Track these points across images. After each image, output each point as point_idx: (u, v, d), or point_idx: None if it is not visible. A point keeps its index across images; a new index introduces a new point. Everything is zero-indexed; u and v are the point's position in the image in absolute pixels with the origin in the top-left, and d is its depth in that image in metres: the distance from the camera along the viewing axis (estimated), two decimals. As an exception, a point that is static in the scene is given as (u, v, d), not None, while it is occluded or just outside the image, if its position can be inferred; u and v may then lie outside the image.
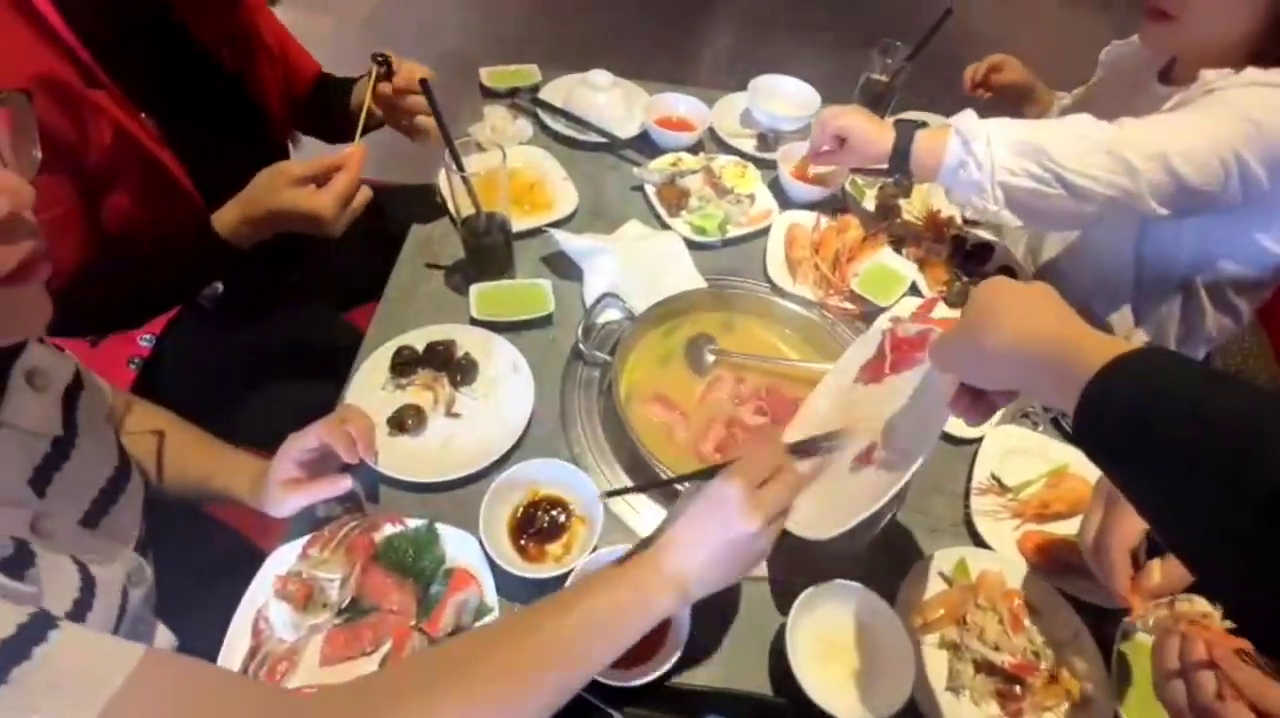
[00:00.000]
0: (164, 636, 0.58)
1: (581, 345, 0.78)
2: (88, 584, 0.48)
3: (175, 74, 0.75)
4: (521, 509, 0.65)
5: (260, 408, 0.87)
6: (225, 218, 0.72)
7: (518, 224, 0.86)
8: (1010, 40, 1.15)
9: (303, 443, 0.60)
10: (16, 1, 0.60)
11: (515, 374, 0.75)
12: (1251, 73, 0.73)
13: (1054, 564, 0.65)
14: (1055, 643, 0.61)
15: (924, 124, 0.81)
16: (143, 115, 0.70)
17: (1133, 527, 0.53)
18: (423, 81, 0.79)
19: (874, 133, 0.82)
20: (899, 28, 1.05)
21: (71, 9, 0.62)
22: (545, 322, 0.82)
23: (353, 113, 0.88)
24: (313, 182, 0.71)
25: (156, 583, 0.59)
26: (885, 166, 0.82)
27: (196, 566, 0.67)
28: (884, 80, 0.99)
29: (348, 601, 0.58)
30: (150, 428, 0.67)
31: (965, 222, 0.98)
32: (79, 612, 0.47)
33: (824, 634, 0.59)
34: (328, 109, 0.98)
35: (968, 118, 0.77)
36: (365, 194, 0.73)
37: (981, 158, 0.74)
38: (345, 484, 0.60)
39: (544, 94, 1.08)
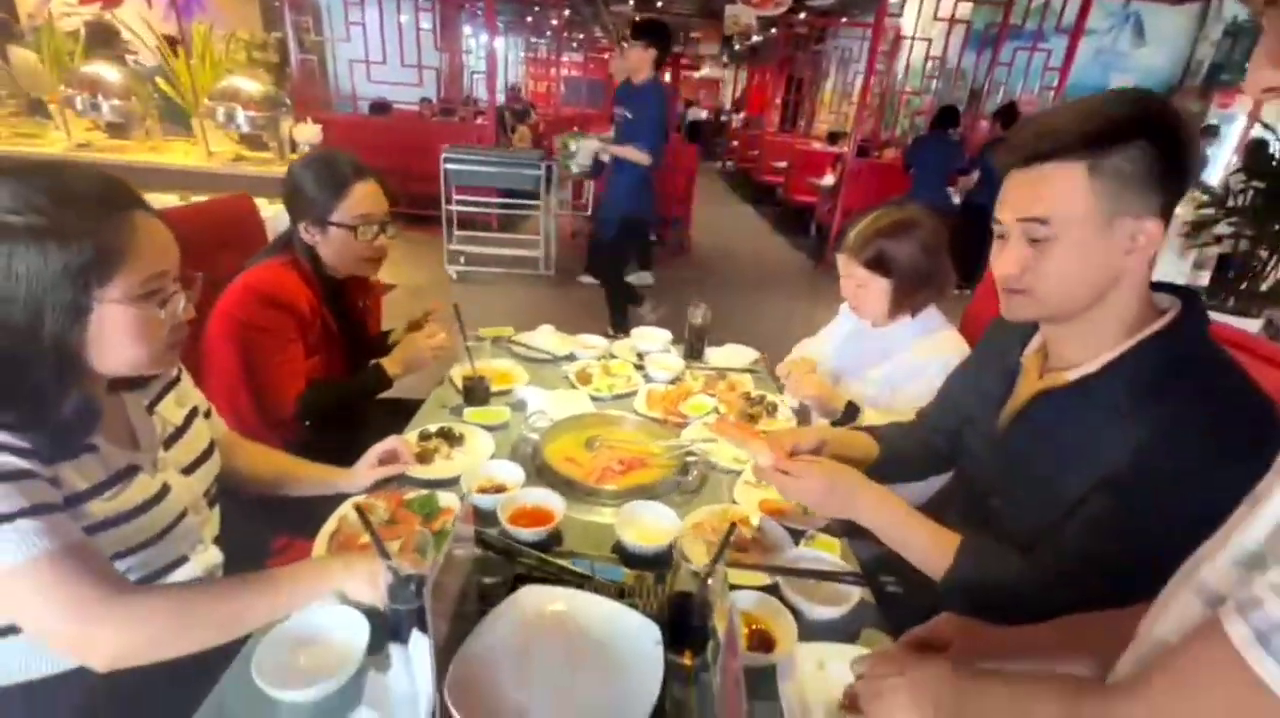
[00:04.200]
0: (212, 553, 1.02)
1: (525, 432, 1.41)
2: (162, 493, 0.90)
3: (342, 305, 1.57)
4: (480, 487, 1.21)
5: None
6: (392, 366, 1.51)
7: (494, 387, 1.58)
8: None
9: (383, 445, 1.19)
10: (303, 275, 1.44)
11: (487, 439, 1.37)
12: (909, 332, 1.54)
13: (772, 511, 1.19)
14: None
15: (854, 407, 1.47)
16: (330, 317, 1.50)
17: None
18: (455, 306, 1.61)
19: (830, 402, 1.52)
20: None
21: (316, 276, 1.47)
22: (504, 425, 1.46)
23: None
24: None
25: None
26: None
27: None
28: (699, 323, 1.85)
29: (387, 518, 1.10)
30: (263, 449, 1.22)
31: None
32: (156, 500, 0.88)
33: (644, 528, 1.10)
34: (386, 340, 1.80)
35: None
36: (442, 337, 1.53)
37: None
38: (409, 462, 1.19)
39: (516, 339, 1.91)
